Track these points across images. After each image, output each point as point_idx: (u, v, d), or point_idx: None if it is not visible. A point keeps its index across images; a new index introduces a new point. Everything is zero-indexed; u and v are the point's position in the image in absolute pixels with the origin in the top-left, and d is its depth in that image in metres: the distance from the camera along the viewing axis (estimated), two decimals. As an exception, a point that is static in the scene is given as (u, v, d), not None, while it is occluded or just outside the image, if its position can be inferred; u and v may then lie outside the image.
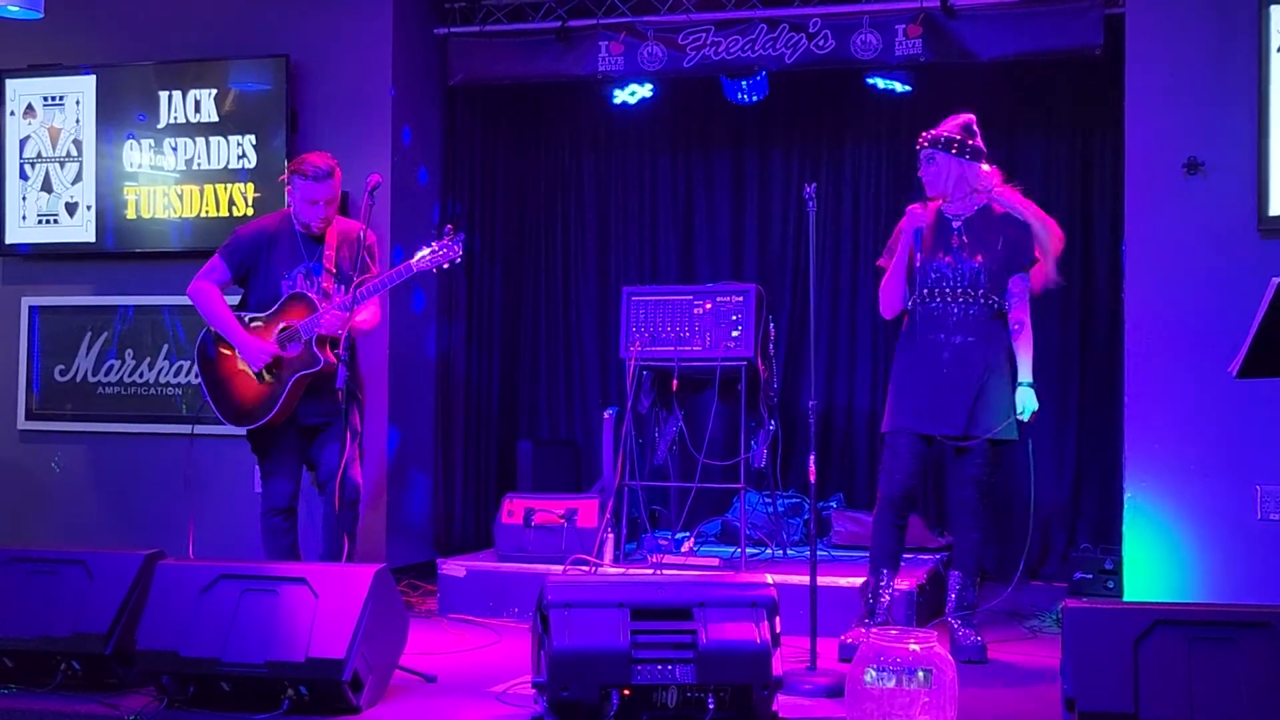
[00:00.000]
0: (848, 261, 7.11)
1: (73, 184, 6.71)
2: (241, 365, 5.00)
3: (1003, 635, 5.23)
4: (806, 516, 6.26)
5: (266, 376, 4.97)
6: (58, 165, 6.73)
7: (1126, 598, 5.42)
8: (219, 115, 6.50)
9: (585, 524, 5.68)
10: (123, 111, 6.64)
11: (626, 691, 3.69)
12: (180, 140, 6.56)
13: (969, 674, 4.45)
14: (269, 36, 6.51)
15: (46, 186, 6.75)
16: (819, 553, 4.55)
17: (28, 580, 4.37)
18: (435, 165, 6.82)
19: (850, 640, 4.71)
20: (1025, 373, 4.80)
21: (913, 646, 3.57)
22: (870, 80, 6.47)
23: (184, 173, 6.56)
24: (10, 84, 6.78)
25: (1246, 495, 5.34)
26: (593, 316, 7.51)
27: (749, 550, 5.70)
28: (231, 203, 6.48)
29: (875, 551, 4.91)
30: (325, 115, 6.44)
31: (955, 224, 4.86)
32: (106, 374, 6.74)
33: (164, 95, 6.57)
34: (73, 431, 6.79)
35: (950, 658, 3.67)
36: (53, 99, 6.74)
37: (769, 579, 3.99)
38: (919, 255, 4.81)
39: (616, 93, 6.80)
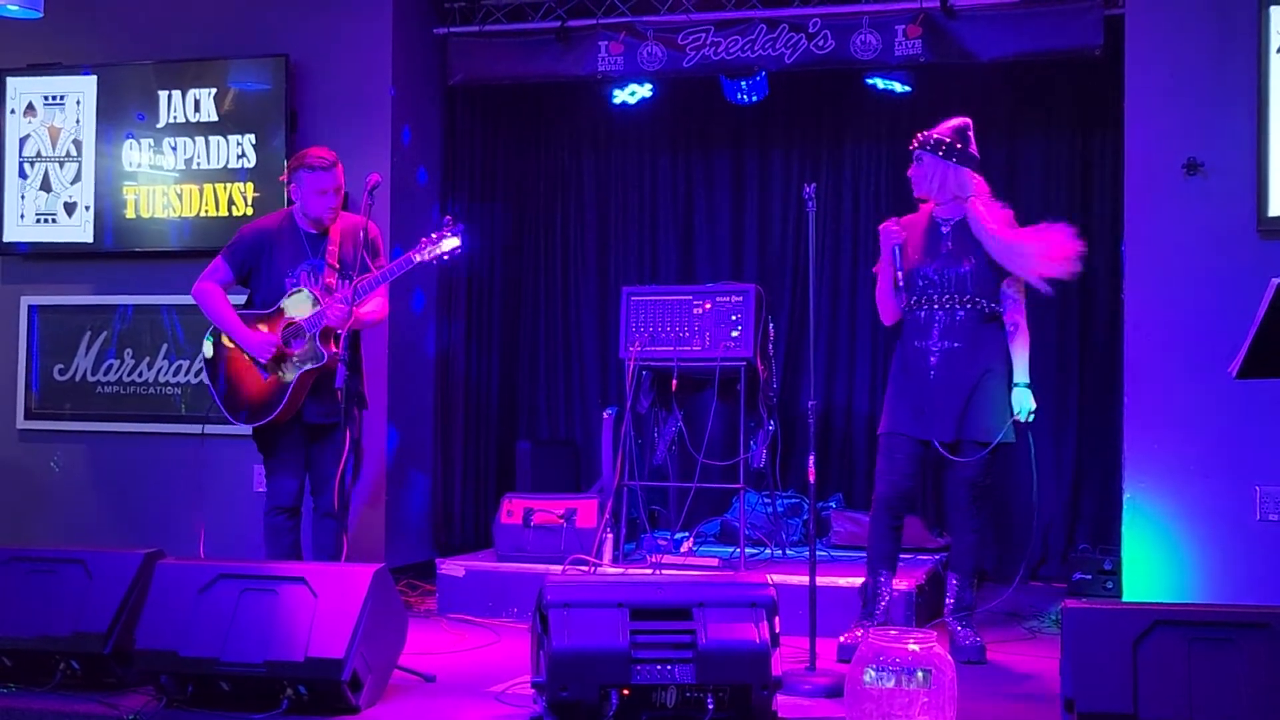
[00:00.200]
0: (847, 262, 7.11)
1: (72, 183, 6.71)
2: (248, 363, 5.00)
3: (1002, 636, 5.23)
4: (806, 517, 6.25)
5: (273, 373, 4.97)
6: (57, 164, 6.73)
7: (1126, 598, 5.42)
8: (218, 115, 6.50)
9: (584, 524, 5.68)
10: (122, 111, 6.64)
11: (626, 691, 3.69)
12: (180, 140, 6.56)
13: (968, 674, 4.45)
14: (269, 36, 6.51)
15: (45, 186, 6.75)
16: (818, 553, 4.55)
17: (27, 579, 4.37)
18: (435, 165, 6.82)
19: (849, 640, 4.71)
20: (1021, 373, 4.80)
21: (912, 647, 3.57)
22: (870, 80, 6.47)
23: (183, 172, 6.56)
24: (11, 83, 6.78)
25: (1246, 496, 5.34)
26: (592, 316, 7.51)
27: (748, 550, 5.69)
28: (231, 202, 6.48)
29: (872, 553, 4.91)
30: (325, 115, 6.44)
31: (944, 228, 4.86)
32: (105, 373, 6.74)
33: (163, 95, 6.57)
34: (72, 431, 6.79)
35: (949, 658, 3.67)
36: (53, 98, 6.74)
37: (768, 579, 3.99)
38: (901, 272, 4.80)
39: (616, 93, 6.80)
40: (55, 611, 4.26)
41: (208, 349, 5.12)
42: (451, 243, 4.93)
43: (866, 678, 3.57)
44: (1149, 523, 5.43)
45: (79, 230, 6.69)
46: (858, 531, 5.98)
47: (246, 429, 5.09)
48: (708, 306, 5.73)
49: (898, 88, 6.50)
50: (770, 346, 5.89)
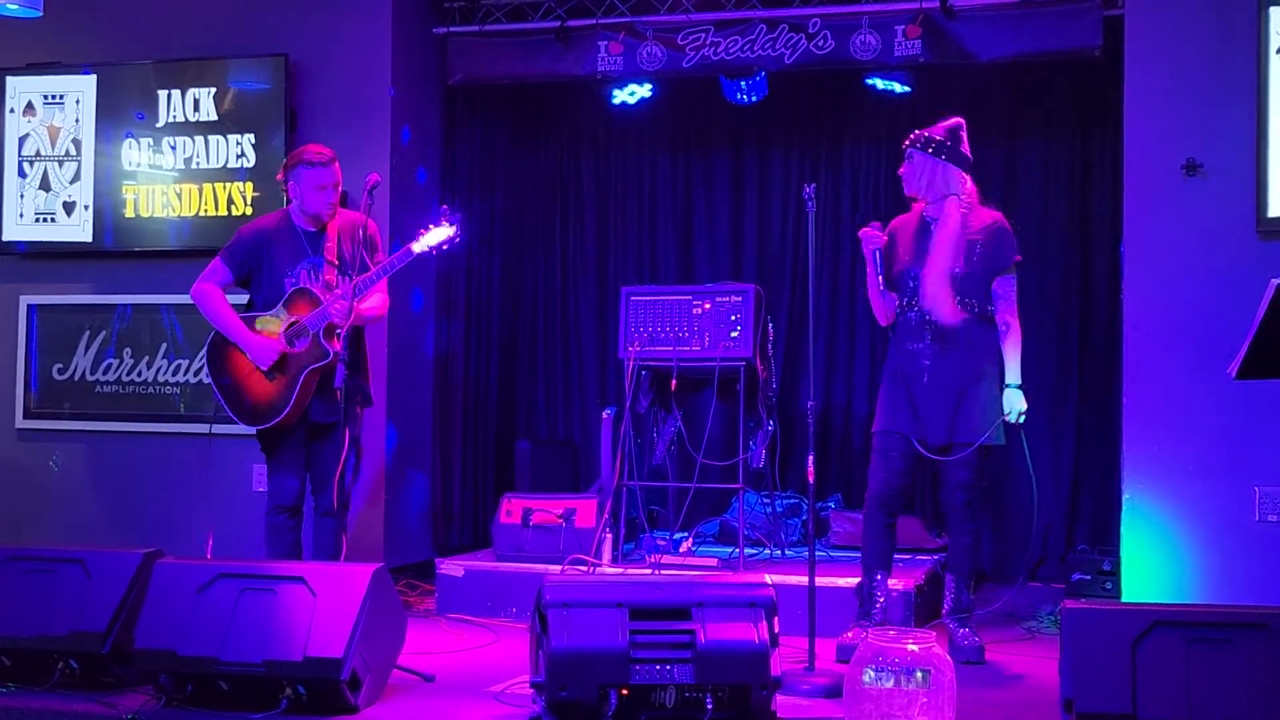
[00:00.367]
0: (847, 262, 7.10)
1: (71, 183, 6.70)
2: (252, 365, 5.00)
3: (1001, 636, 5.23)
4: (805, 517, 6.25)
5: (278, 374, 4.97)
6: (56, 164, 6.73)
7: (1125, 599, 5.42)
8: (218, 114, 6.50)
9: (583, 524, 5.68)
10: (122, 110, 6.64)
11: (625, 691, 3.69)
12: (179, 139, 6.55)
13: (967, 675, 4.45)
14: (268, 36, 6.51)
15: (45, 185, 6.74)
16: (817, 553, 4.55)
17: (26, 579, 4.37)
18: (434, 165, 6.82)
19: (848, 641, 4.71)
20: (1013, 374, 4.79)
21: (911, 647, 3.57)
22: (870, 81, 6.47)
23: (183, 172, 6.56)
24: (10, 82, 6.78)
25: (1245, 497, 5.34)
26: (591, 316, 7.51)
27: (747, 550, 5.69)
28: (230, 202, 6.48)
29: (866, 552, 4.92)
30: (324, 115, 6.44)
31: (933, 227, 4.85)
32: (105, 373, 6.74)
33: (163, 94, 6.57)
34: (71, 430, 6.79)
35: (948, 658, 3.67)
36: (53, 97, 6.74)
37: (767, 579, 3.99)
38: (882, 275, 4.81)
39: (616, 93, 6.80)
40: (54, 611, 4.26)
41: (209, 353, 5.10)
42: (448, 232, 4.94)
43: (866, 678, 3.57)
44: (1148, 523, 5.43)
45: (78, 230, 6.69)
46: (856, 532, 5.95)
47: (249, 429, 5.09)
48: (707, 306, 5.72)
49: (897, 88, 6.50)
50: (769, 346, 5.89)
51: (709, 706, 3.70)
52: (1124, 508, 5.49)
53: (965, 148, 4.87)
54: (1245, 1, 5.34)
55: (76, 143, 6.69)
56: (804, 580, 4.47)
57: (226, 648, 3.94)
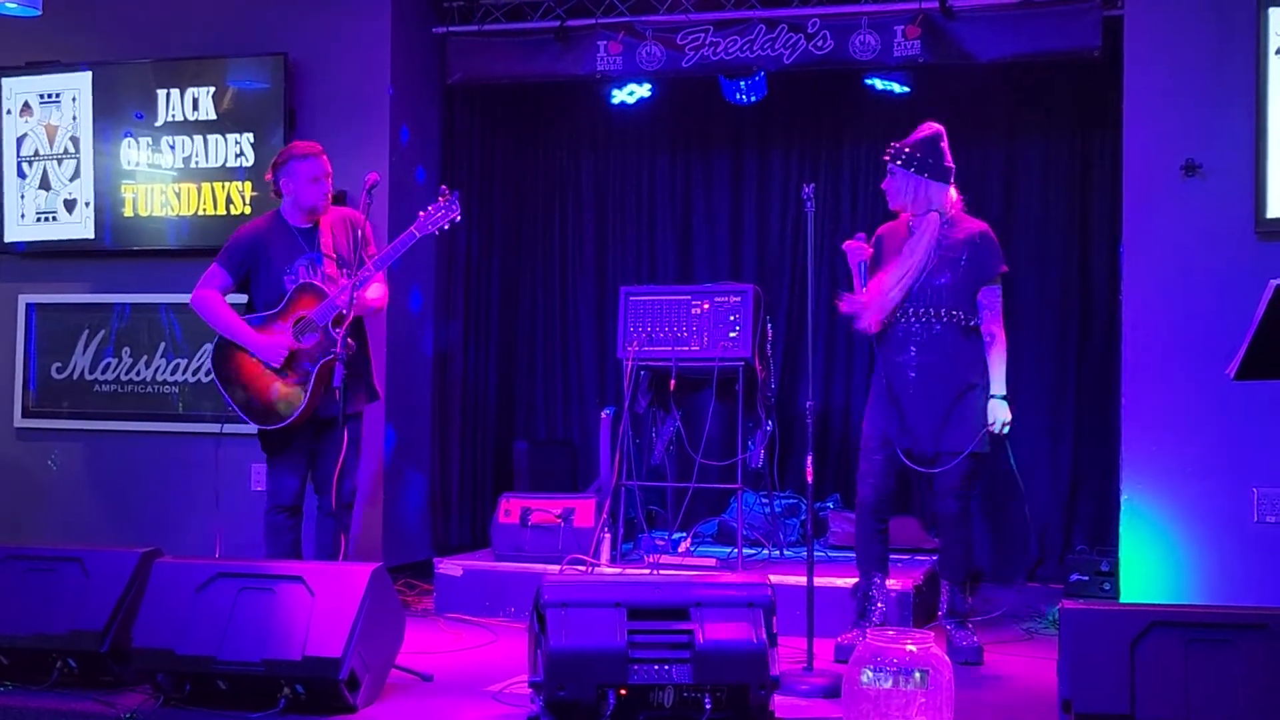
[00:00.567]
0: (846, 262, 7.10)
1: (70, 181, 6.70)
2: (261, 366, 4.99)
3: (999, 636, 5.23)
4: (803, 517, 6.25)
5: (288, 372, 4.97)
6: (55, 162, 6.73)
7: (1123, 599, 5.42)
8: (217, 113, 6.50)
9: (582, 524, 5.68)
10: (120, 109, 6.63)
11: (623, 691, 3.69)
12: (178, 138, 6.55)
13: (965, 675, 4.46)
14: (267, 35, 6.50)
15: (44, 184, 6.74)
16: (816, 553, 4.55)
17: (24, 578, 4.38)
18: (433, 164, 6.81)
19: (847, 641, 4.71)
20: (997, 385, 4.79)
21: (909, 647, 3.57)
22: (869, 81, 6.47)
23: (182, 171, 6.55)
24: (7, 82, 6.78)
25: (1243, 497, 5.34)
26: (590, 316, 7.51)
27: (746, 550, 5.69)
28: (229, 201, 6.48)
29: (861, 557, 4.92)
30: (323, 114, 6.44)
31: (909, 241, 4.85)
32: (103, 372, 6.74)
33: (162, 93, 6.57)
34: (69, 429, 6.78)
35: (947, 659, 3.67)
36: (49, 96, 6.73)
37: (766, 579, 3.99)
38: (866, 287, 4.80)
39: (615, 92, 6.80)
40: (52, 610, 4.26)
41: (214, 359, 5.08)
42: (448, 211, 4.95)
43: (864, 678, 3.57)
44: (1146, 524, 5.43)
45: (80, 227, 6.69)
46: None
47: (252, 427, 5.09)
48: (706, 307, 5.72)
49: (896, 88, 6.50)
50: (768, 347, 5.89)
51: (707, 706, 3.70)
52: (1122, 508, 5.49)
53: (948, 160, 4.86)
54: (1244, 2, 5.34)
55: (74, 140, 6.69)
56: (802, 580, 4.47)
57: (225, 647, 3.94)
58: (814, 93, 7.03)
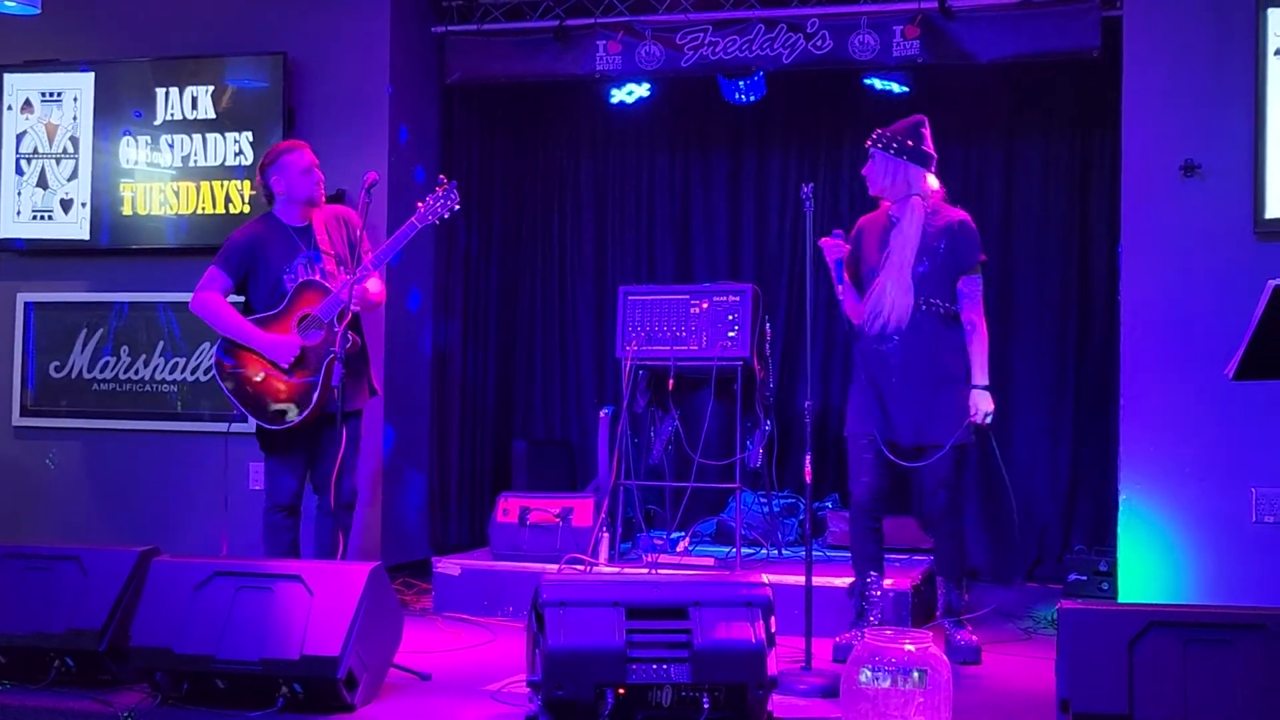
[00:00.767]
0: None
1: (69, 180, 6.70)
2: (269, 366, 4.98)
3: (997, 636, 5.24)
4: (802, 517, 6.25)
5: (297, 370, 4.96)
6: (54, 161, 6.72)
7: (1121, 599, 5.42)
8: (216, 112, 6.49)
9: (580, 523, 5.68)
10: (119, 108, 6.63)
11: (621, 690, 3.69)
12: (177, 137, 6.55)
13: (964, 675, 4.46)
14: (267, 34, 6.50)
15: (42, 182, 6.74)
16: (814, 553, 4.55)
17: (22, 576, 4.37)
18: (432, 164, 6.81)
19: (845, 640, 4.71)
20: (979, 375, 4.75)
21: (908, 647, 3.57)
22: (868, 81, 6.46)
23: (180, 170, 6.55)
24: (8, 79, 6.77)
25: (1241, 498, 5.34)
26: (589, 316, 7.51)
27: (744, 550, 5.69)
28: (228, 200, 6.48)
29: (856, 556, 4.92)
30: (322, 113, 6.43)
31: (894, 229, 4.84)
32: (101, 370, 6.73)
33: (161, 92, 6.56)
34: (67, 428, 6.78)
35: (945, 658, 3.67)
36: (50, 95, 6.73)
37: (764, 579, 3.99)
38: (841, 284, 4.77)
39: (614, 92, 6.80)
40: (50, 608, 4.26)
41: (218, 361, 5.07)
42: (446, 199, 4.96)
43: (862, 678, 3.57)
44: (1145, 524, 5.43)
45: (75, 227, 6.68)
46: (854, 532, 5.98)
47: (250, 426, 5.09)
48: (705, 306, 5.72)
49: (896, 88, 6.50)
50: (767, 346, 5.89)
51: (705, 706, 3.70)
52: (1121, 508, 5.49)
53: (928, 145, 4.85)
54: (1243, 3, 5.34)
55: (74, 140, 6.68)
56: (801, 580, 4.46)
57: (223, 646, 3.94)
58: (813, 93, 7.03)
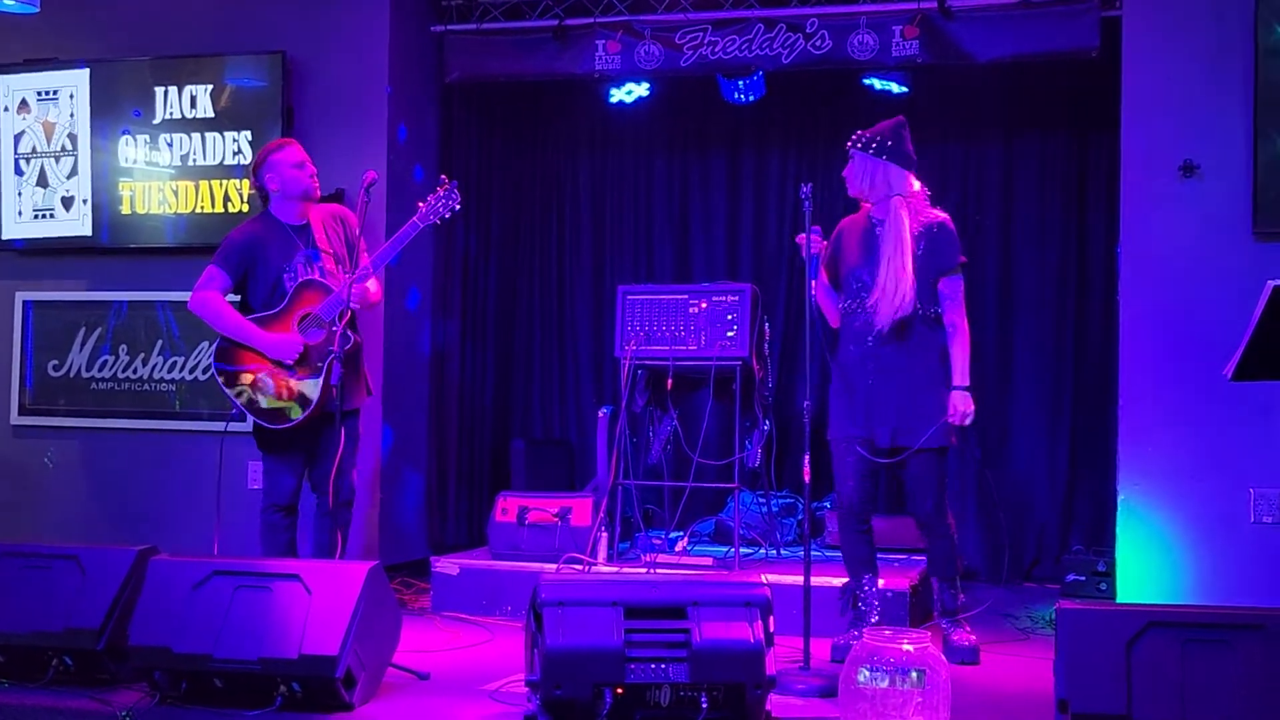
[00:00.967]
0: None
1: (68, 178, 6.69)
2: (271, 366, 4.97)
3: (996, 636, 5.24)
4: (800, 516, 6.26)
5: (299, 368, 4.96)
6: (53, 160, 6.72)
7: (1120, 599, 5.42)
8: (215, 111, 6.49)
9: (579, 523, 5.68)
10: (118, 107, 6.62)
11: (620, 690, 3.69)
12: (176, 136, 6.55)
13: (962, 675, 4.46)
14: (265, 33, 6.50)
15: (42, 181, 6.73)
16: (813, 552, 4.55)
17: (20, 575, 4.37)
18: (431, 163, 6.81)
19: (844, 640, 4.71)
20: (958, 376, 4.73)
21: (906, 647, 3.58)
22: (867, 81, 6.46)
23: (179, 168, 6.55)
24: (4, 79, 6.77)
25: (1240, 498, 5.34)
26: (588, 315, 7.51)
27: (743, 550, 5.70)
28: (227, 199, 6.47)
29: (848, 559, 4.92)
30: (321, 112, 6.43)
31: (879, 229, 4.82)
32: (100, 369, 6.73)
33: (159, 91, 6.56)
34: (65, 427, 6.78)
35: (943, 658, 3.67)
36: (47, 94, 6.72)
37: (763, 579, 3.99)
38: (815, 281, 4.72)
39: (613, 92, 6.80)
40: (48, 607, 4.25)
41: (217, 361, 5.07)
42: (447, 199, 4.97)
43: (861, 678, 3.57)
44: (1143, 524, 5.43)
45: (77, 224, 6.68)
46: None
47: (248, 425, 5.09)
48: (703, 306, 5.72)
49: (895, 88, 6.50)
50: (765, 346, 5.89)
51: (704, 705, 3.70)
52: (1119, 509, 5.49)
53: (908, 146, 4.83)
54: (1242, 3, 5.34)
55: (72, 137, 6.68)
56: (799, 580, 4.46)
57: (221, 645, 3.94)
58: (812, 92, 7.03)
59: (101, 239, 6.66)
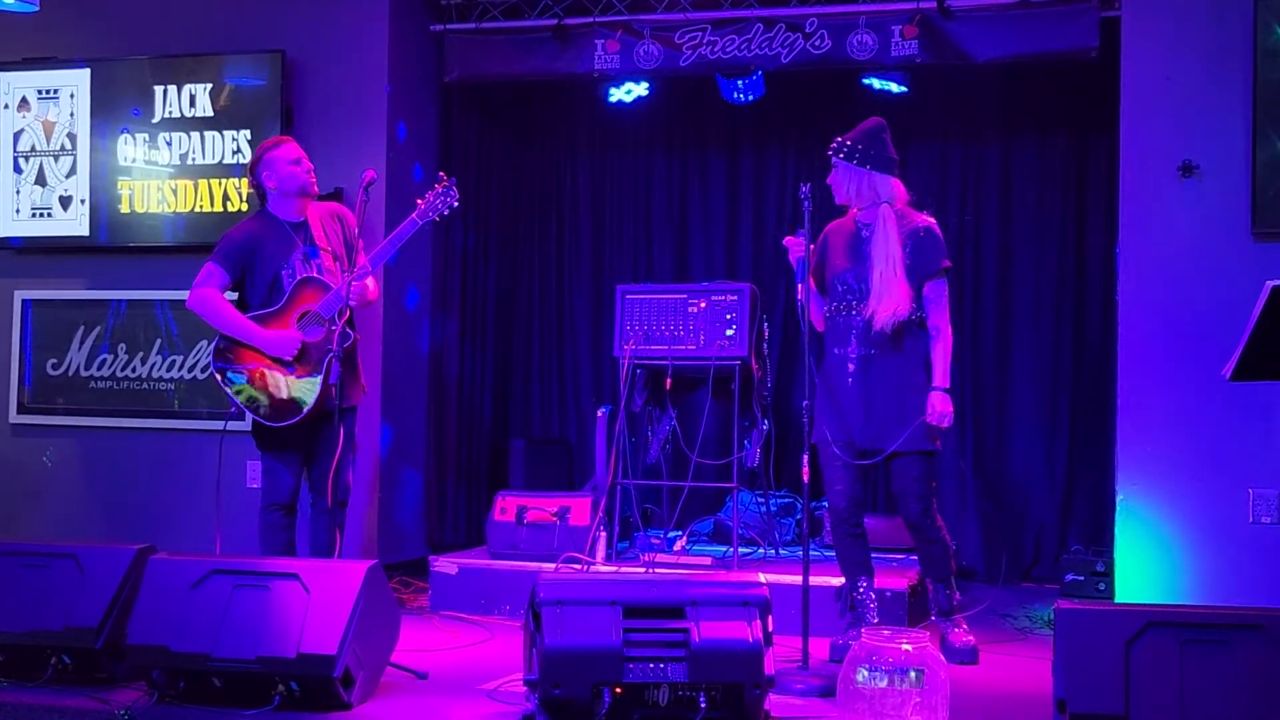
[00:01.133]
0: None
1: (67, 177, 6.69)
2: (270, 363, 4.97)
3: (994, 636, 5.24)
4: (799, 516, 6.26)
5: (298, 365, 4.96)
6: (52, 159, 6.72)
7: (1118, 600, 5.42)
8: (214, 110, 6.49)
9: (578, 522, 5.68)
10: (117, 105, 6.62)
11: (618, 689, 3.69)
12: (175, 135, 6.55)
13: (961, 675, 4.46)
14: (265, 32, 6.50)
15: (40, 180, 6.73)
16: (811, 552, 4.54)
17: (19, 574, 4.37)
18: (430, 162, 6.80)
19: (842, 640, 4.71)
20: (938, 377, 4.71)
21: (905, 647, 3.58)
22: (866, 80, 6.46)
23: (178, 167, 6.55)
24: (4, 77, 6.76)
25: (1238, 498, 5.34)
26: (587, 314, 7.51)
27: (741, 549, 5.70)
28: (225, 198, 6.47)
29: (843, 562, 4.91)
30: (320, 111, 6.43)
31: (865, 233, 4.82)
32: (99, 368, 6.73)
33: (159, 90, 6.56)
34: (64, 426, 6.78)
35: (942, 658, 3.67)
36: (47, 92, 6.72)
37: (761, 578, 3.99)
38: (801, 284, 4.68)
39: (612, 91, 6.80)
40: (47, 606, 4.25)
41: (216, 358, 5.07)
42: (446, 196, 4.97)
43: (859, 677, 3.57)
44: (1142, 524, 5.43)
45: (75, 224, 6.68)
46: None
47: (247, 424, 5.09)
48: (702, 305, 5.72)
49: (894, 88, 6.50)
50: (765, 346, 5.89)
51: (702, 705, 3.70)
52: (1118, 509, 5.49)
53: (890, 149, 4.82)
54: (1242, 4, 5.34)
55: (71, 137, 6.68)
56: (798, 579, 4.46)
57: (220, 644, 3.94)
58: (811, 92, 7.02)
59: (100, 238, 6.65)
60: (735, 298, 5.70)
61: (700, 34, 6.35)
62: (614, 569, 5.47)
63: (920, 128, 6.89)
